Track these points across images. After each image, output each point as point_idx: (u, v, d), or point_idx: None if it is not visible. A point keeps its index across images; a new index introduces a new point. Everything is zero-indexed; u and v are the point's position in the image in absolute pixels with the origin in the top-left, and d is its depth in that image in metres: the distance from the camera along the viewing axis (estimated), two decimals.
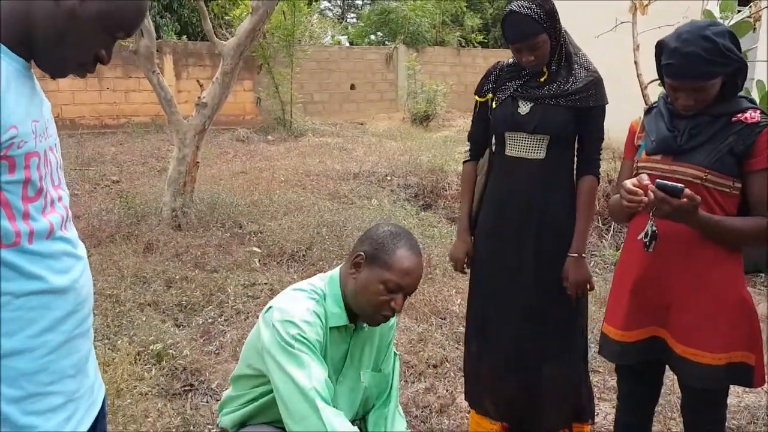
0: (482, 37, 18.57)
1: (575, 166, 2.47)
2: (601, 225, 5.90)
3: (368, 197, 6.86)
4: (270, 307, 1.84)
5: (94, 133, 10.14)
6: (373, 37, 18.80)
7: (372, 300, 1.80)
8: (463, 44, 17.52)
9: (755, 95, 3.40)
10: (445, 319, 3.97)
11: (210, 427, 2.66)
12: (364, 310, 1.84)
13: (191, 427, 2.69)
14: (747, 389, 3.22)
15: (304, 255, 4.92)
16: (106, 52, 1.11)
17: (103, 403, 1.29)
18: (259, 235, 5.24)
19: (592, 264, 4.82)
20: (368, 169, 7.79)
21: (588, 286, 2.40)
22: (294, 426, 1.65)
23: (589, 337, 2.63)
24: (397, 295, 1.81)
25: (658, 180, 1.72)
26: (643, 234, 1.85)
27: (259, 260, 4.81)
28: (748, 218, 1.82)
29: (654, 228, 1.83)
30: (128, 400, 2.83)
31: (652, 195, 1.72)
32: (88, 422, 1.17)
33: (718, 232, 1.80)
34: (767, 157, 1.79)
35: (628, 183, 1.79)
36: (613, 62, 4.90)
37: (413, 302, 4.10)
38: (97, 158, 8.13)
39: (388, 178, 7.63)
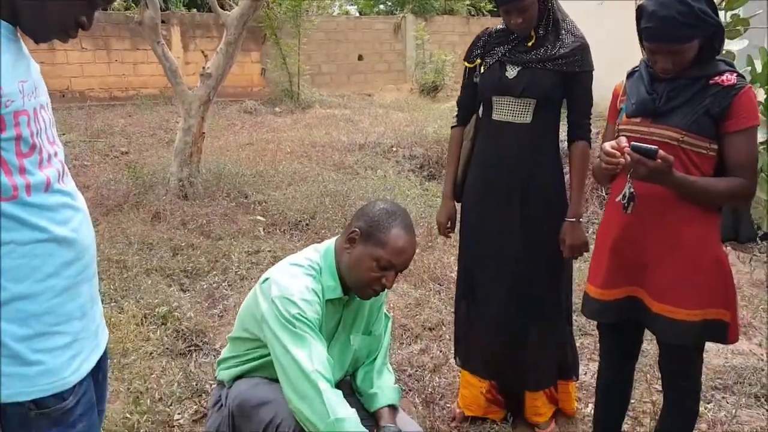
0: (492, 5, 18.34)
1: (567, 132, 2.52)
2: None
3: (373, 168, 6.91)
4: (267, 279, 1.90)
5: (103, 105, 10.23)
6: (381, 6, 18.63)
7: (364, 276, 1.87)
8: (473, 13, 17.31)
9: (758, 64, 3.40)
10: (442, 285, 4.05)
11: (212, 383, 2.77)
12: (356, 285, 1.91)
13: (194, 383, 2.81)
14: (735, 351, 3.30)
15: (307, 224, 5.01)
16: (87, 18, 1.18)
17: (106, 347, 1.38)
18: (264, 204, 5.33)
19: (592, 231, 4.87)
20: (374, 141, 7.83)
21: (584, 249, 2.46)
22: (296, 402, 1.72)
23: (573, 298, 2.70)
24: (388, 273, 1.87)
25: (633, 143, 1.78)
26: (621, 196, 1.91)
27: (263, 228, 4.91)
28: (723, 179, 1.87)
29: (632, 190, 1.88)
30: (134, 358, 2.95)
31: (629, 157, 1.78)
32: (92, 362, 1.26)
33: (694, 193, 1.86)
34: (743, 119, 1.83)
35: (607, 146, 1.84)
36: (616, 28, 4.88)
37: (412, 269, 4.18)
38: (106, 130, 8.23)
39: (394, 149, 7.67)
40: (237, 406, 1.91)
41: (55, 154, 1.23)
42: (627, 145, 1.79)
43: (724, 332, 1.96)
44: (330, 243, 2.02)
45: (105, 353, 1.39)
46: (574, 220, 2.43)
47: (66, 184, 1.23)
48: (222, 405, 2.00)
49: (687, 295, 1.93)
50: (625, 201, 1.89)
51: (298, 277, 1.88)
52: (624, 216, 1.96)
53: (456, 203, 2.67)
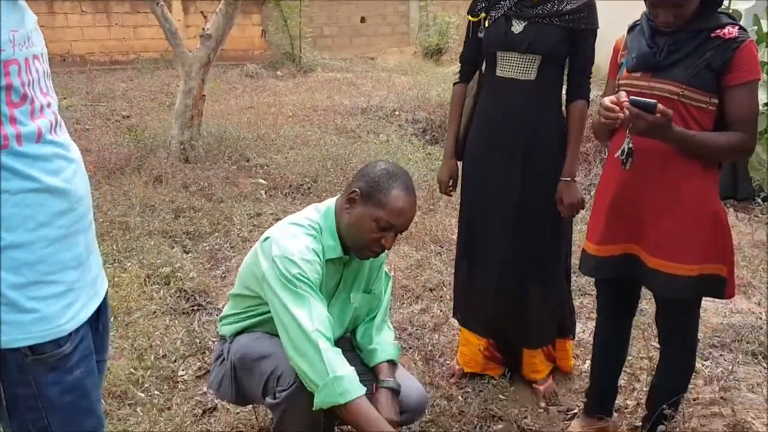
0: None
1: (566, 91, 2.50)
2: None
3: (375, 132, 6.87)
4: (267, 238, 1.91)
5: (104, 69, 10.14)
6: None
7: (363, 236, 1.87)
8: None
9: (764, 23, 3.35)
10: (443, 246, 4.07)
11: (215, 340, 2.81)
12: (355, 245, 1.91)
13: (197, 341, 2.85)
14: (734, 310, 3.32)
15: (309, 188, 5.01)
16: None
17: (105, 296, 1.40)
18: (266, 167, 5.33)
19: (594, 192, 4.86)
20: (376, 104, 7.76)
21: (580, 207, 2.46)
22: (296, 360, 1.75)
23: (573, 259, 2.72)
24: (388, 234, 1.87)
25: (631, 97, 1.76)
26: (619, 152, 1.90)
27: (265, 192, 4.92)
28: (722, 133, 1.86)
29: (630, 145, 1.87)
30: (137, 316, 2.99)
31: (627, 112, 1.76)
32: (89, 311, 1.28)
33: (693, 147, 1.85)
34: (744, 72, 1.82)
35: (606, 100, 1.83)
36: None
37: (413, 231, 4.20)
38: (107, 94, 8.18)
39: (396, 113, 7.61)
40: (239, 360, 1.94)
41: (48, 105, 1.23)
42: (626, 99, 1.78)
43: (722, 287, 1.98)
44: (330, 203, 2.02)
45: (105, 305, 1.41)
46: (569, 179, 2.43)
47: (59, 135, 1.23)
48: (224, 359, 2.03)
49: (685, 249, 1.93)
50: (623, 157, 1.89)
51: (299, 237, 1.89)
52: (623, 172, 1.95)
53: (458, 162, 2.66)
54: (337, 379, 1.69)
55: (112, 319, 2.93)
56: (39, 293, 1.16)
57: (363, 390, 1.73)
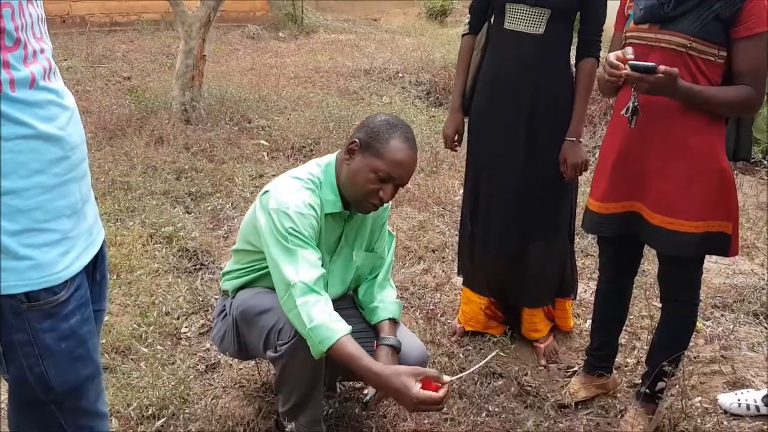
0: None
1: (576, 49, 2.45)
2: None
3: (378, 94, 6.79)
4: (267, 191, 1.90)
5: (105, 30, 10.00)
6: None
7: (362, 187, 1.85)
8: None
9: None
10: (446, 208, 4.06)
11: (217, 298, 2.82)
12: (354, 197, 1.89)
13: (200, 299, 2.86)
14: (736, 271, 3.31)
15: (311, 149, 4.98)
16: None
17: (103, 246, 1.39)
18: (267, 129, 5.29)
19: None
20: (379, 66, 7.67)
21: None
22: (286, 313, 1.77)
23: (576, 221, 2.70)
24: (387, 185, 1.85)
25: (630, 62, 1.73)
26: (624, 110, 1.87)
27: (267, 153, 4.89)
28: (730, 87, 1.83)
29: (636, 103, 1.84)
30: (140, 273, 3.00)
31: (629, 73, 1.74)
32: (85, 260, 1.27)
33: (700, 101, 1.82)
34: (754, 24, 1.77)
35: (611, 56, 1.79)
36: None
37: (416, 193, 4.18)
38: (108, 56, 8.08)
39: (400, 75, 7.52)
40: (240, 314, 1.95)
41: (42, 51, 1.20)
42: (632, 57, 1.75)
43: (726, 245, 1.96)
44: (331, 157, 2.00)
45: (103, 255, 1.40)
46: (574, 139, 2.40)
47: (53, 82, 1.21)
48: (226, 314, 2.04)
49: (689, 206, 1.91)
50: (628, 115, 1.86)
51: (297, 190, 1.87)
52: (628, 128, 1.92)
53: (465, 117, 2.63)
54: (313, 330, 1.69)
55: (114, 277, 2.96)
56: (34, 240, 1.16)
57: (343, 331, 1.69)
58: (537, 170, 2.45)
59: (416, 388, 1.62)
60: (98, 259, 1.37)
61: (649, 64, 1.71)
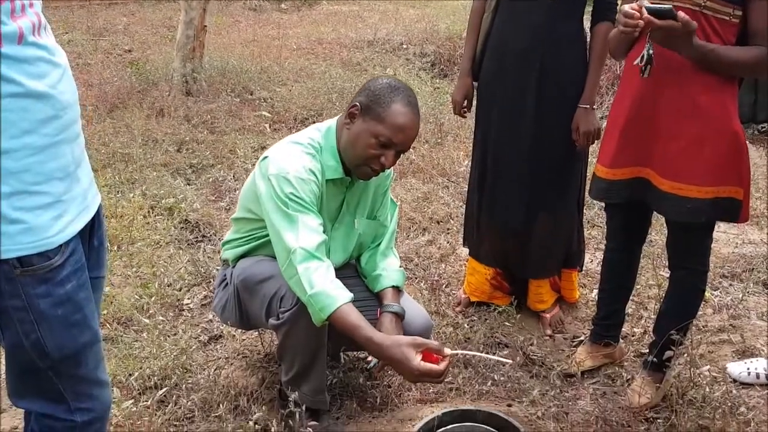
0: None
1: (591, 12, 2.38)
2: None
3: (382, 66, 6.71)
4: (266, 157, 1.86)
5: (105, 3, 9.89)
6: None
7: (362, 153, 1.80)
8: None
9: None
10: (451, 180, 4.01)
11: (218, 268, 2.79)
12: (354, 162, 1.84)
13: (202, 270, 2.84)
14: (745, 240, 3.27)
15: (314, 121, 4.91)
16: None
17: (99, 211, 1.35)
18: (269, 100, 5.23)
19: None
20: (383, 37, 7.57)
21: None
22: (286, 280, 1.74)
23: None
24: (388, 151, 1.80)
25: (647, 4, 1.67)
26: (639, 58, 1.81)
27: (269, 125, 4.84)
28: (745, 47, 1.77)
29: (651, 51, 1.77)
30: (141, 245, 2.98)
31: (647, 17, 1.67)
32: (79, 225, 1.23)
33: (713, 60, 1.76)
34: None
35: (626, 6, 1.73)
36: None
37: (420, 164, 4.13)
38: (109, 29, 8.00)
39: (404, 46, 7.42)
40: (241, 283, 1.92)
41: (31, 5, 1.15)
42: (647, 4, 1.69)
43: (737, 211, 1.91)
44: (332, 122, 1.95)
45: (99, 220, 1.37)
46: (587, 106, 2.35)
47: (43, 38, 1.16)
48: (227, 283, 2.02)
49: (700, 170, 1.86)
50: (642, 63, 1.79)
51: (297, 155, 1.83)
52: (639, 88, 1.87)
53: (474, 82, 2.56)
54: (313, 296, 1.66)
55: (115, 248, 2.94)
56: (25, 204, 1.12)
57: (345, 298, 1.66)
58: (546, 139, 2.40)
59: (417, 360, 1.59)
60: (95, 225, 1.34)
61: (667, 5, 1.65)
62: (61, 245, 1.17)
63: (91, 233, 1.34)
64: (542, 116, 2.38)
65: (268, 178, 1.78)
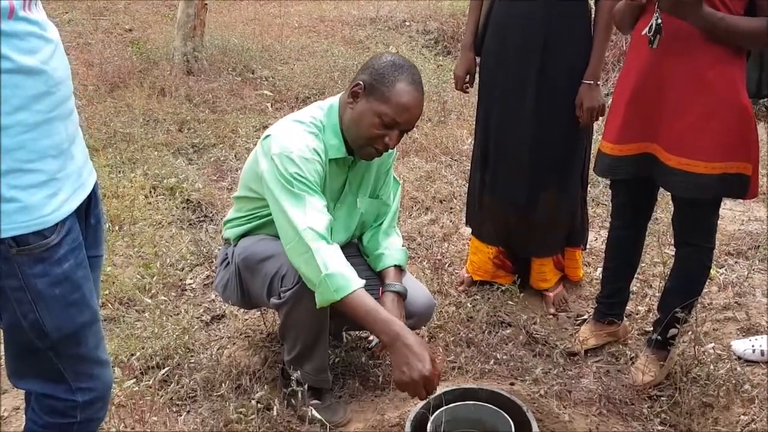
0: None
1: None
2: None
3: (385, 43, 6.63)
4: (268, 135, 1.83)
5: None
6: None
7: (365, 132, 1.77)
8: None
9: None
10: (454, 158, 3.98)
11: (221, 248, 2.78)
12: (357, 142, 1.81)
13: (204, 250, 2.83)
14: (751, 218, 3.24)
15: (316, 99, 4.86)
16: None
17: (95, 189, 1.34)
18: (271, 79, 5.19)
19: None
20: (386, 15, 7.48)
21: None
22: (293, 259, 1.70)
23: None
24: (392, 131, 1.77)
25: None
26: (647, 29, 1.77)
27: (271, 104, 4.80)
28: (753, 18, 1.73)
29: (659, 21, 1.73)
30: (142, 225, 2.96)
31: None
32: (75, 203, 1.22)
33: (721, 30, 1.72)
34: None
35: None
36: None
37: (423, 143, 4.10)
38: (109, 8, 7.93)
39: (407, 23, 7.34)
40: (242, 261, 1.91)
41: None
42: None
43: (745, 186, 1.88)
44: (334, 100, 1.92)
45: (96, 198, 1.35)
46: (591, 82, 2.31)
47: (34, 13, 1.13)
48: (229, 262, 2.00)
49: (706, 145, 1.83)
50: (651, 33, 1.76)
51: (299, 134, 1.80)
52: (646, 59, 1.84)
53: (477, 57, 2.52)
54: (329, 276, 1.63)
55: (117, 229, 2.93)
56: (18, 182, 1.10)
57: (359, 283, 1.65)
58: (549, 116, 2.36)
59: (431, 364, 1.57)
60: (91, 203, 1.32)
61: None
62: (57, 224, 1.16)
63: (88, 211, 1.33)
64: (545, 93, 2.34)
65: (272, 157, 1.75)
